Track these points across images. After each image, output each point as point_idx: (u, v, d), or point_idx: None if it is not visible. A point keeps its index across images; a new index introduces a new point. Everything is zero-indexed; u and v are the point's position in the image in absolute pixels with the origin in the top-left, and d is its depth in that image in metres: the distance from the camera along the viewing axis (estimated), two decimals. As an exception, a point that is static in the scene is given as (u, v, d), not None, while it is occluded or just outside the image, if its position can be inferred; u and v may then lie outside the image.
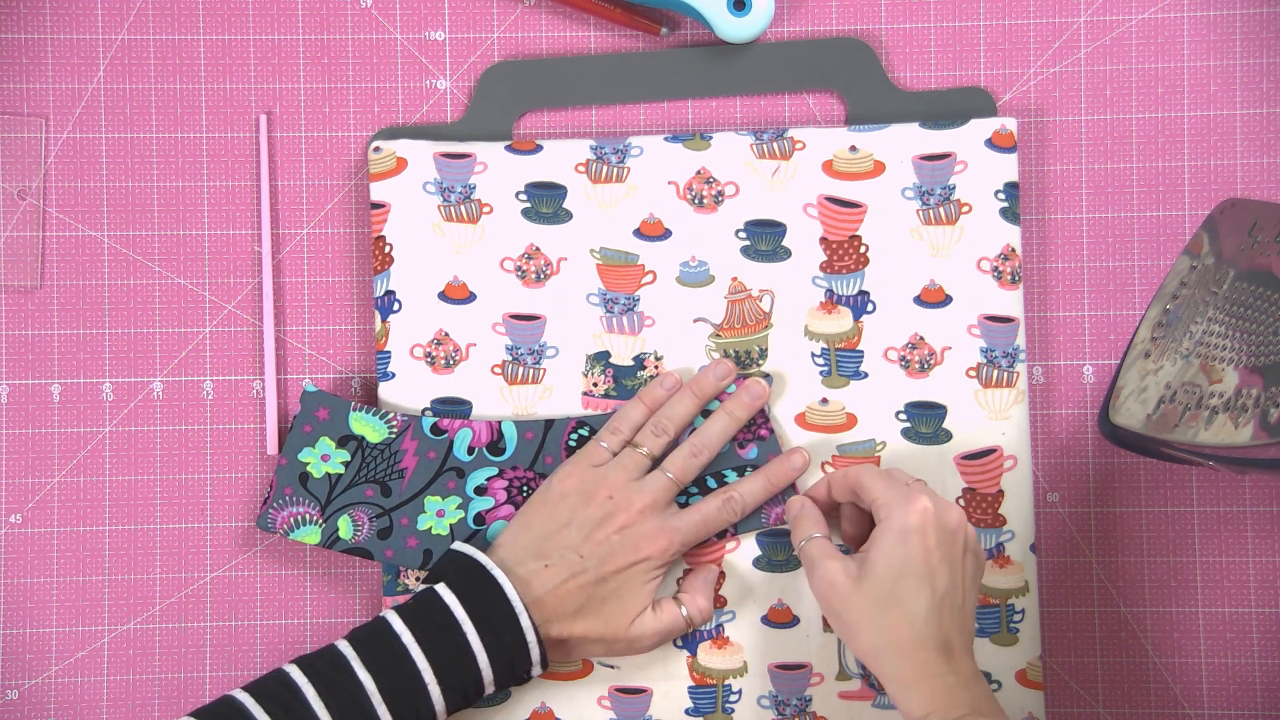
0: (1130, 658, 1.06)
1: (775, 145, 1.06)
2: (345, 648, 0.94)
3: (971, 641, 0.95)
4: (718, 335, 1.05)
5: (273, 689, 0.92)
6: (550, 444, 1.04)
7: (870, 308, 1.05)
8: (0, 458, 1.07)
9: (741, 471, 1.03)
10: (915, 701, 0.91)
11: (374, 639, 0.94)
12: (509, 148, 1.06)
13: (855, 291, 1.05)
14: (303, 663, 0.94)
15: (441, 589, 0.96)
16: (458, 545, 0.99)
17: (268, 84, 1.08)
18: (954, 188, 1.05)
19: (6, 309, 1.07)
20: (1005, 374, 1.05)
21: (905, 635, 0.92)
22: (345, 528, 1.03)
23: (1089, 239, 1.07)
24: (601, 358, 1.05)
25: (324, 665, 0.93)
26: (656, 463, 1.02)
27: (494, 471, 1.04)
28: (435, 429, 1.04)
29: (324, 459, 1.04)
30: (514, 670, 0.96)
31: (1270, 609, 1.06)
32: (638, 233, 1.06)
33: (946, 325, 1.05)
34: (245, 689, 0.93)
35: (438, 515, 1.03)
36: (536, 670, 0.97)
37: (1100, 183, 1.07)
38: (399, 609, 0.96)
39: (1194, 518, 1.06)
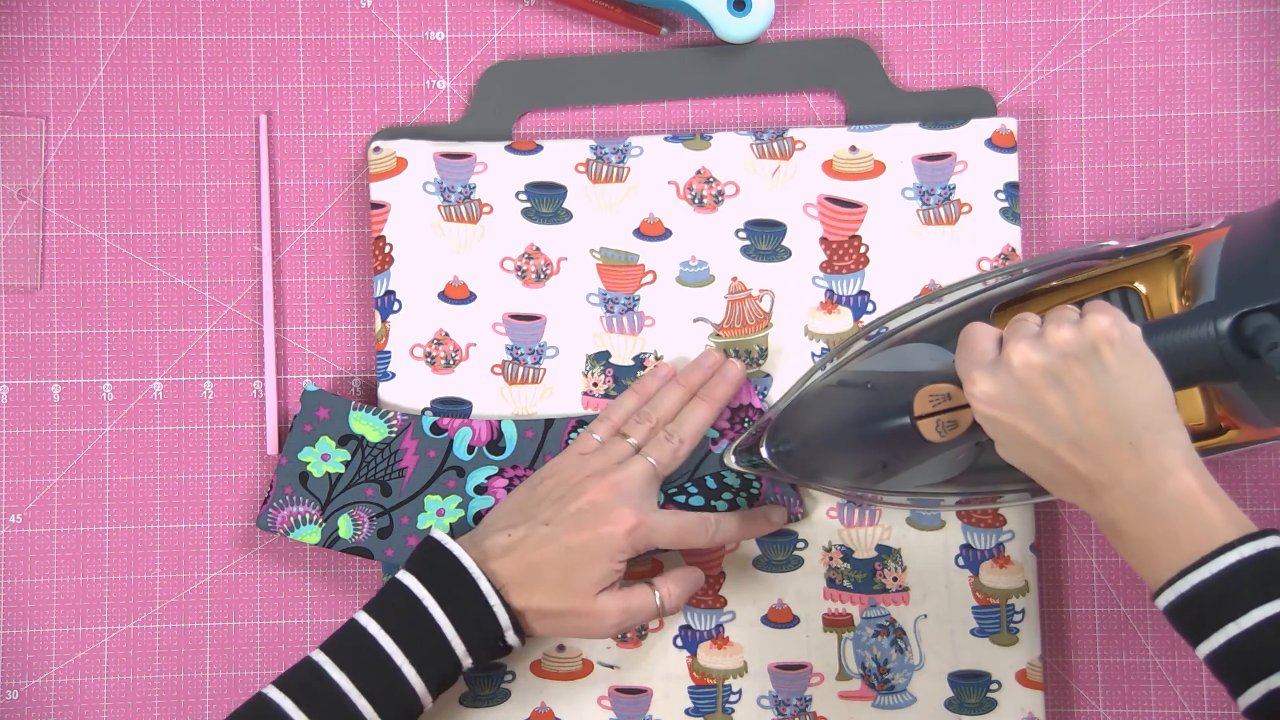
0: (1130, 658, 1.06)
1: (775, 145, 1.06)
2: (321, 658, 0.94)
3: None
4: (718, 335, 1.05)
5: (257, 717, 0.92)
6: (550, 443, 1.04)
7: (870, 308, 1.05)
8: (0, 458, 1.07)
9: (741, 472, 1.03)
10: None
11: (347, 642, 0.94)
12: (509, 148, 1.06)
13: (855, 291, 1.05)
14: (281, 683, 0.93)
15: (403, 574, 0.96)
16: (433, 532, 0.98)
17: (268, 84, 1.08)
18: (954, 188, 1.05)
19: (6, 309, 1.07)
20: (1005, 374, 1.05)
21: None
22: (345, 527, 1.03)
23: (1089, 239, 1.07)
24: (601, 358, 1.05)
25: (304, 680, 0.93)
26: None
27: (494, 470, 1.04)
28: (435, 428, 1.04)
29: (324, 458, 1.04)
30: (485, 639, 0.95)
31: (1270, 609, 1.06)
32: (638, 233, 1.06)
33: (946, 325, 1.05)
34: None
35: (438, 514, 1.03)
36: (511, 638, 0.96)
37: (1100, 183, 1.07)
38: (367, 606, 0.95)
39: (1194, 518, 1.06)
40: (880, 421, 0.95)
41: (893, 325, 1.02)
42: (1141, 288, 0.96)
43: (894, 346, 0.99)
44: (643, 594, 0.98)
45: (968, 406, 0.91)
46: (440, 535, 0.97)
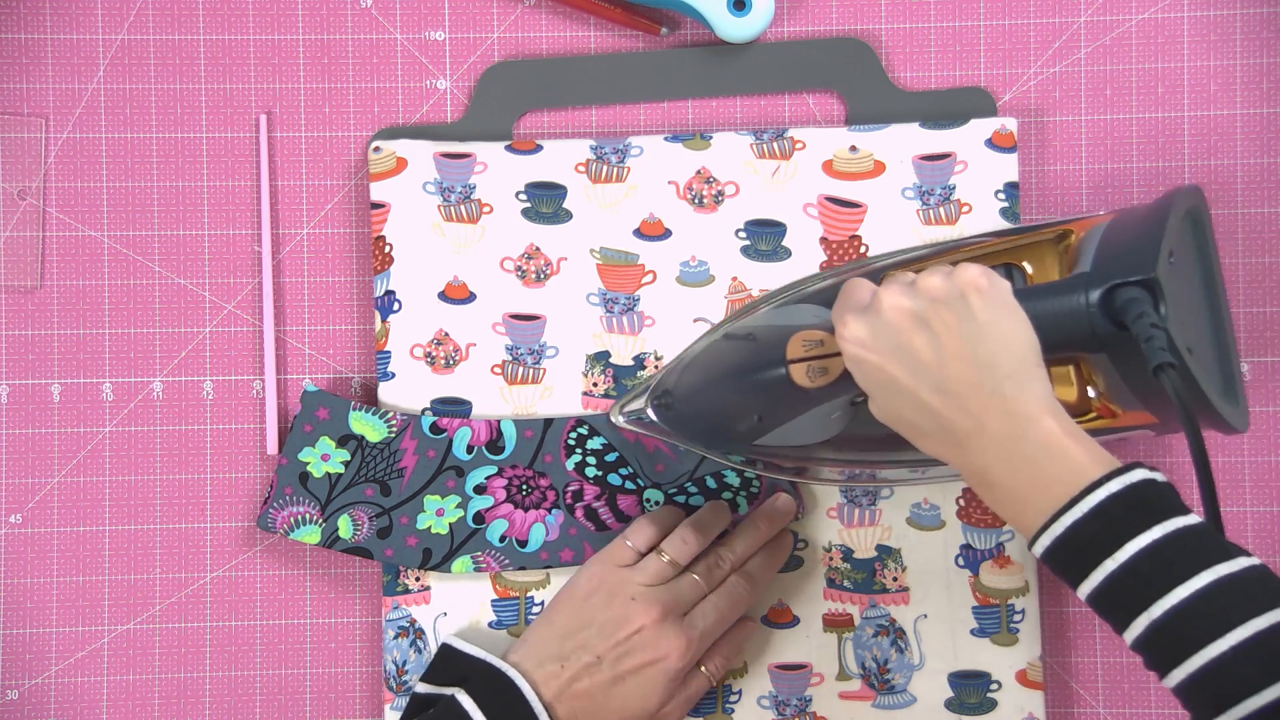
0: (1130, 658, 1.06)
1: (775, 145, 1.06)
2: None
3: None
4: (718, 335, 1.05)
5: None
6: (550, 442, 1.04)
7: (870, 307, 1.05)
8: (0, 458, 1.07)
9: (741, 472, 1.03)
10: None
11: None
12: (509, 148, 1.06)
13: (855, 291, 1.05)
14: None
15: (462, 696, 0.95)
16: (475, 651, 0.98)
17: (268, 84, 1.08)
18: (954, 188, 1.05)
19: (6, 309, 1.07)
20: (1005, 374, 1.05)
21: None
22: (345, 527, 1.03)
23: (1089, 239, 1.07)
24: (601, 358, 1.05)
25: None
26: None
27: (493, 470, 1.04)
28: (434, 428, 1.04)
29: (324, 459, 1.04)
30: None
31: (1270, 609, 1.06)
32: (638, 233, 1.06)
33: (946, 325, 1.05)
34: None
35: (437, 514, 1.03)
36: None
37: (1100, 183, 1.07)
38: None
39: (1194, 518, 1.06)
40: (757, 372, 0.96)
41: (789, 292, 1.03)
42: (1029, 267, 0.97)
43: (783, 306, 1.00)
44: (698, 682, 0.99)
45: (839, 355, 0.92)
46: (504, 666, 0.96)
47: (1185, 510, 0.82)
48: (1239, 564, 0.80)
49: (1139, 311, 0.88)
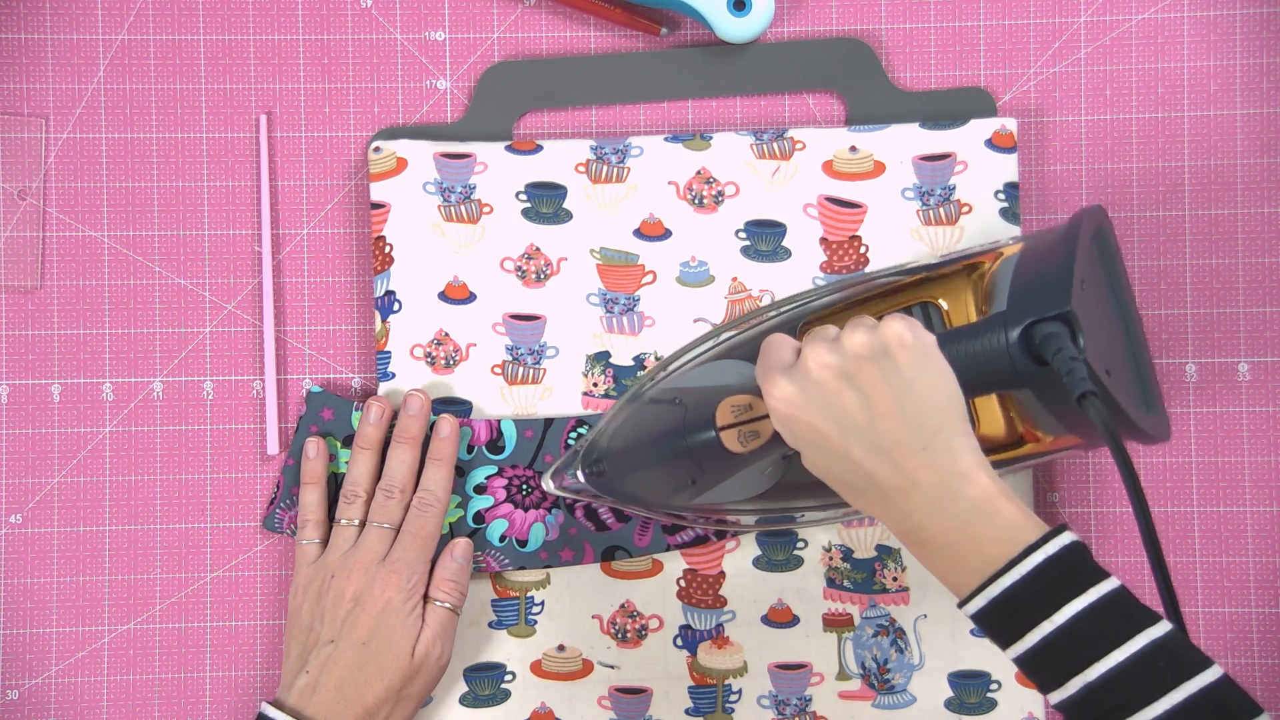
0: (1130, 658, 1.06)
1: (775, 145, 1.06)
2: None
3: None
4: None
5: None
6: (550, 442, 1.04)
7: (870, 308, 1.05)
8: (0, 458, 1.07)
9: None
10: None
11: None
12: (509, 148, 1.06)
13: (855, 291, 1.05)
14: None
15: None
16: (262, 709, 0.98)
17: (268, 84, 1.08)
18: (954, 188, 1.05)
19: (6, 309, 1.07)
20: (1005, 374, 1.05)
21: None
22: (345, 527, 1.03)
23: (1089, 239, 1.07)
24: (601, 358, 1.05)
25: None
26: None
27: (493, 470, 1.04)
28: (435, 428, 1.04)
29: (329, 459, 1.04)
30: None
31: (1270, 609, 1.06)
32: (638, 233, 1.06)
33: (946, 325, 1.05)
34: None
35: (438, 515, 1.03)
36: None
37: (1100, 183, 1.07)
38: None
39: (1194, 518, 1.06)
40: (686, 436, 0.97)
41: (705, 346, 1.03)
42: (944, 304, 0.98)
43: (704, 364, 1.00)
44: (434, 614, 0.99)
45: (768, 417, 0.93)
46: (264, 708, 0.97)
47: (1106, 572, 0.83)
48: (1163, 628, 0.81)
49: (1058, 346, 0.88)
